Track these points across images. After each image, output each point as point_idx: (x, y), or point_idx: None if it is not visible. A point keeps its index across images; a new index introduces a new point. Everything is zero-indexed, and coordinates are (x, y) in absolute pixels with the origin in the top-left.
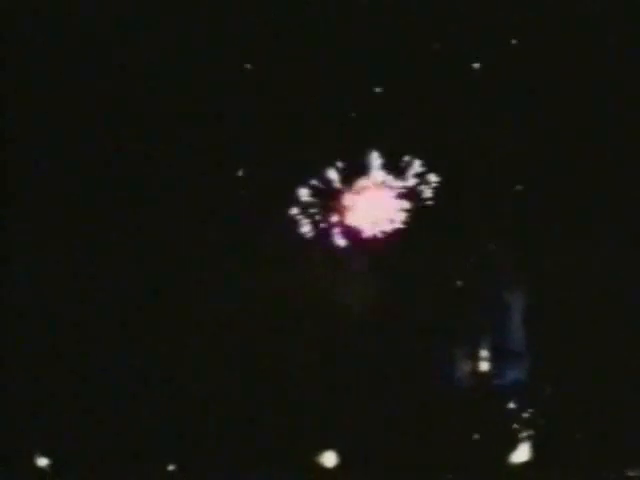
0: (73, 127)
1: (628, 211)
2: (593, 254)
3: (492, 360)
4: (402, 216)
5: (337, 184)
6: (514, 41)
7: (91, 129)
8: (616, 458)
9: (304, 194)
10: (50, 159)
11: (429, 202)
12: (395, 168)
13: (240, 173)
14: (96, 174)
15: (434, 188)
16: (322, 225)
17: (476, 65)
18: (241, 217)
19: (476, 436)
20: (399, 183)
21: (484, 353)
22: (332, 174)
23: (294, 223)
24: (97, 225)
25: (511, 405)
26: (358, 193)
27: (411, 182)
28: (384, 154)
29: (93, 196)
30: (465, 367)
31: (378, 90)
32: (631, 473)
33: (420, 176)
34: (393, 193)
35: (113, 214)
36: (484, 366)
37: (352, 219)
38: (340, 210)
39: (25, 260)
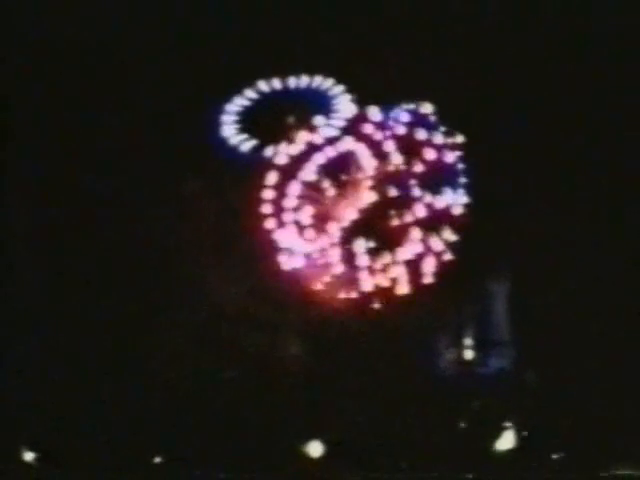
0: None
1: (615, 201)
2: (577, 243)
3: (476, 349)
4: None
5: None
6: None
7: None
8: (601, 445)
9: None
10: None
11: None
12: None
13: None
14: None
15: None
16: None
17: None
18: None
19: (461, 424)
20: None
21: (468, 342)
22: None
23: None
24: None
25: (495, 393)
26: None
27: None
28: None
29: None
30: (450, 356)
31: None
32: (615, 463)
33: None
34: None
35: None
36: (468, 355)
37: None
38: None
39: (25, 261)
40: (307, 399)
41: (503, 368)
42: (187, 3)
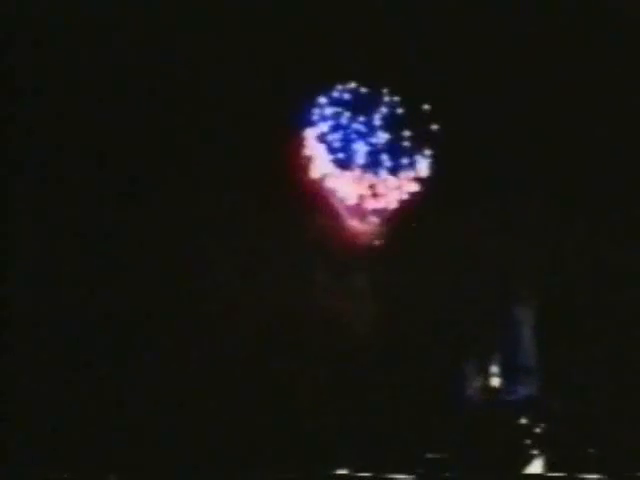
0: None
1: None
2: (602, 270)
3: (503, 376)
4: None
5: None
6: None
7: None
8: (628, 471)
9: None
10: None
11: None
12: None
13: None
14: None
15: (443, 202)
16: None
17: None
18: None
19: (489, 451)
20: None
21: (495, 369)
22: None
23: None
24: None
25: (523, 420)
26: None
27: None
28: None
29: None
30: (477, 383)
31: None
32: None
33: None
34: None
35: (112, 216)
36: (495, 382)
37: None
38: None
39: (25, 262)
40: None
41: (530, 395)
42: None
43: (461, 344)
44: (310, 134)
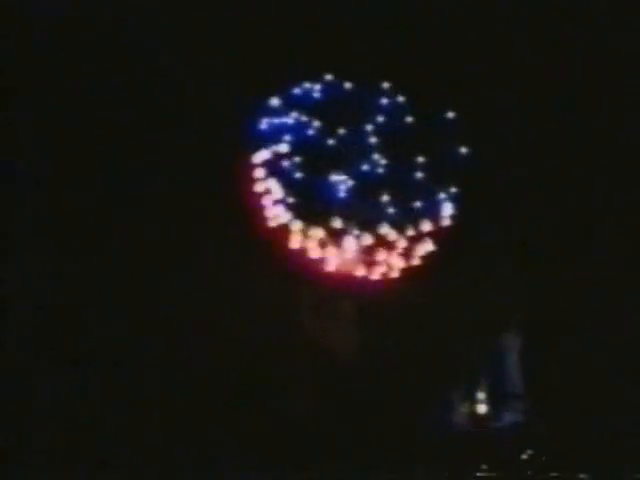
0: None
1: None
2: (589, 296)
3: (490, 403)
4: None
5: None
6: None
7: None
8: None
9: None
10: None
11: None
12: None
13: None
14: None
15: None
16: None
17: None
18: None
19: (477, 478)
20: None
21: (482, 396)
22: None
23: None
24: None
25: (510, 447)
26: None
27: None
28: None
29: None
30: (463, 410)
31: None
32: None
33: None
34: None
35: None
36: (482, 409)
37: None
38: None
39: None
40: None
41: (517, 422)
42: None
43: (446, 370)
44: (259, 158)
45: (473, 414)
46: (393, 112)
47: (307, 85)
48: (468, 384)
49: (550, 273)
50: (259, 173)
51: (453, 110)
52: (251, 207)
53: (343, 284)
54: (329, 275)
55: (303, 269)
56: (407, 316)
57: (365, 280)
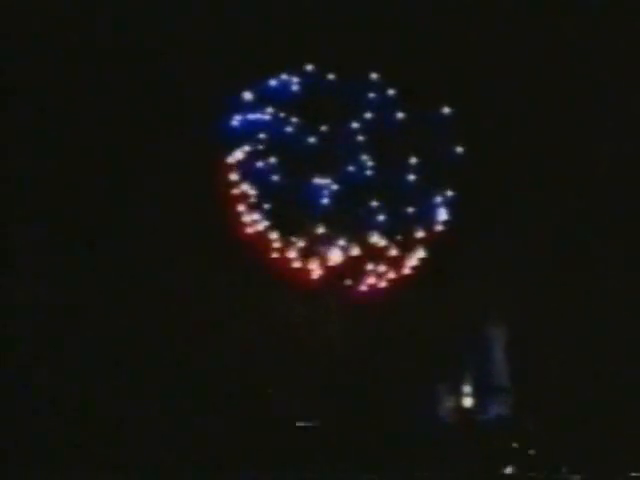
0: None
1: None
2: (576, 288)
3: (476, 396)
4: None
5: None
6: None
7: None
8: None
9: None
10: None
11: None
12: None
13: None
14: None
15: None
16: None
17: None
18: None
19: (462, 471)
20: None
21: (467, 389)
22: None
23: None
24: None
25: (495, 440)
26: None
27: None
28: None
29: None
30: (449, 404)
31: None
32: None
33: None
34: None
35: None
36: (468, 402)
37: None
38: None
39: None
40: None
41: (503, 415)
42: None
43: (434, 364)
44: (234, 158)
45: (459, 407)
46: (382, 107)
47: (285, 77)
48: (454, 378)
49: (537, 270)
50: (233, 176)
51: (449, 105)
52: (227, 212)
53: (327, 290)
54: (312, 283)
55: (283, 277)
56: (394, 313)
57: (352, 291)
